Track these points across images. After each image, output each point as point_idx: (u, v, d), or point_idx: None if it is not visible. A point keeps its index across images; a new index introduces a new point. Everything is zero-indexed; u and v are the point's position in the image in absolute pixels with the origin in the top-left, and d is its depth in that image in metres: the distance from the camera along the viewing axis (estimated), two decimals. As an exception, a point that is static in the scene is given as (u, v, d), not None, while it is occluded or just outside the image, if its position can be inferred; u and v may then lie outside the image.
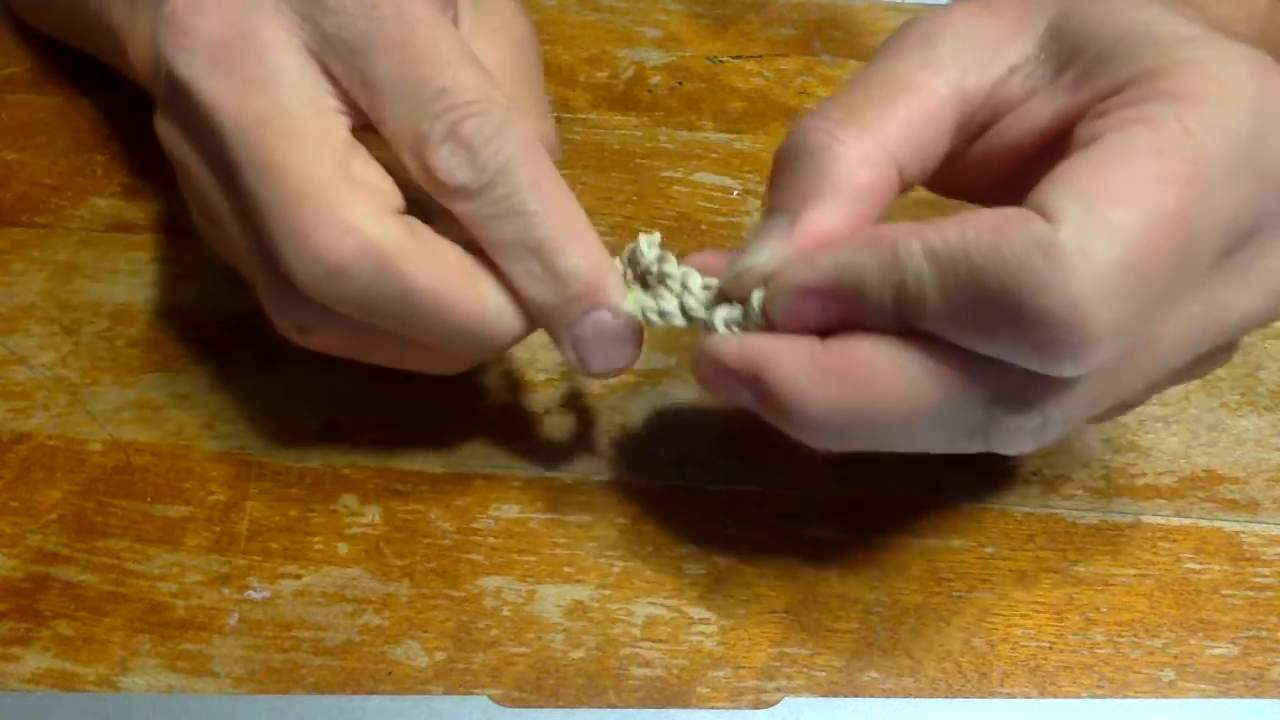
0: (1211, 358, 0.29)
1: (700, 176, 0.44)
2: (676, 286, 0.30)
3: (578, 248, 0.29)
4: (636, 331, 0.30)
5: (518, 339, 0.30)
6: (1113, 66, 0.26)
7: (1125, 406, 0.30)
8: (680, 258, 0.30)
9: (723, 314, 0.29)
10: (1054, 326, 0.24)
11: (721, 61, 0.49)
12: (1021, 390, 0.26)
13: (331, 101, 0.29)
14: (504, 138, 0.28)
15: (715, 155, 0.45)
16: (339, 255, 0.27)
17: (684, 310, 0.29)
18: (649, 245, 0.30)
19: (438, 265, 0.28)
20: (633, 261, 0.30)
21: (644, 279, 0.30)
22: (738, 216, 0.42)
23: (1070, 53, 0.27)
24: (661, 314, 0.29)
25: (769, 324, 0.28)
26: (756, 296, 0.28)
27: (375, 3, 0.28)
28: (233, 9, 0.28)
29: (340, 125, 0.29)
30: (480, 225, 0.28)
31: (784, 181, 0.28)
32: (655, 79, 0.47)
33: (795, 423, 0.27)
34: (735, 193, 0.43)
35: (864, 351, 0.26)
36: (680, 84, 0.47)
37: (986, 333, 0.25)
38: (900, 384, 0.26)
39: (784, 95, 0.47)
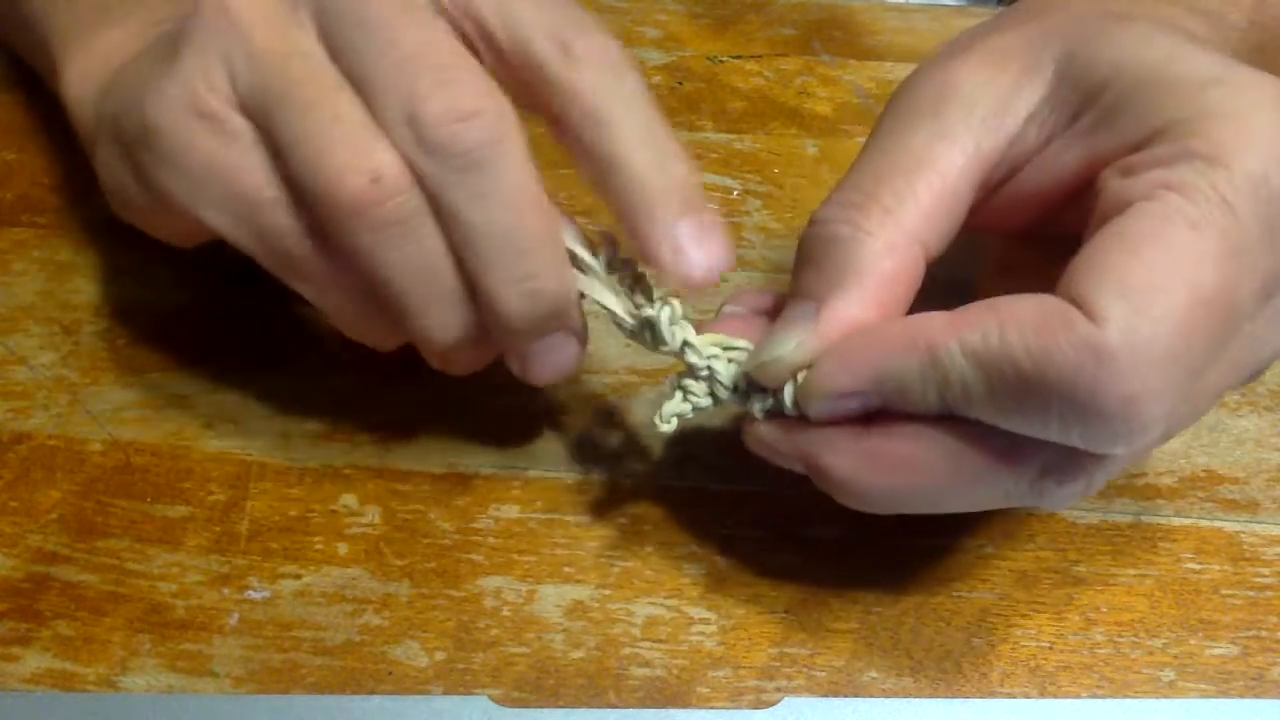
0: (1241, 385, 0.29)
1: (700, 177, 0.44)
2: (703, 369, 0.29)
3: (546, 259, 0.28)
4: (582, 341, 0.30)
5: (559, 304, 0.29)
6: (1135, 115, 0.26)
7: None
8: (704, 322, 0.30)
9: (758, 404, 0.29)
10: (1109, 421, 0.24)
11: (721, 61, 0.49)
12: (1068, 464, 0.27)
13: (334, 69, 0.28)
14: (490, 123, 0.27)
15: (715, 155, 0.44)
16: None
17: (715, 398, 0.30)
18: (670, 321, 0.29)
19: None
20: (650, 329, 0.30)
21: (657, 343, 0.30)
22: (738, 216, 0.42)
23: (1083, 97, 0.27)
24: (696, 410, 0.30)
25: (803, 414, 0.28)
26: (788, 390, 0.28)
27: None
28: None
29: (349, 102, 0.28)
30: (453, 209, 0.27)
31: (808, 272, 0.28)
32: (655, 79, 0.47)
33: (848, 500, 0.28)
34: (735, 193, 0.43)
35: (912, 441, 0.26)
36: (680, 84, 0.47)
37: (1036, 423, 0.25)
38: (950, 468, 0.26)
39: (784, 95, 0.47)
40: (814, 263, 0.28)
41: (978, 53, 0.28)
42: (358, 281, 0.29)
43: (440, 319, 0.29)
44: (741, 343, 0.29)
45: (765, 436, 0.29)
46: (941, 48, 0.30)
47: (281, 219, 0.28)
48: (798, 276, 0.28)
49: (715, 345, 0.30)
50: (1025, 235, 0.30)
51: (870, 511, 0.28)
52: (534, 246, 0.28)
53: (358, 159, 0.27)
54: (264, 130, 0.28)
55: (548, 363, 0.30)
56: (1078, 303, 0.24)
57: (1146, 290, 0.24)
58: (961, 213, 0.28)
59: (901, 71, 0.49)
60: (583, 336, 0.30)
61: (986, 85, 0.28)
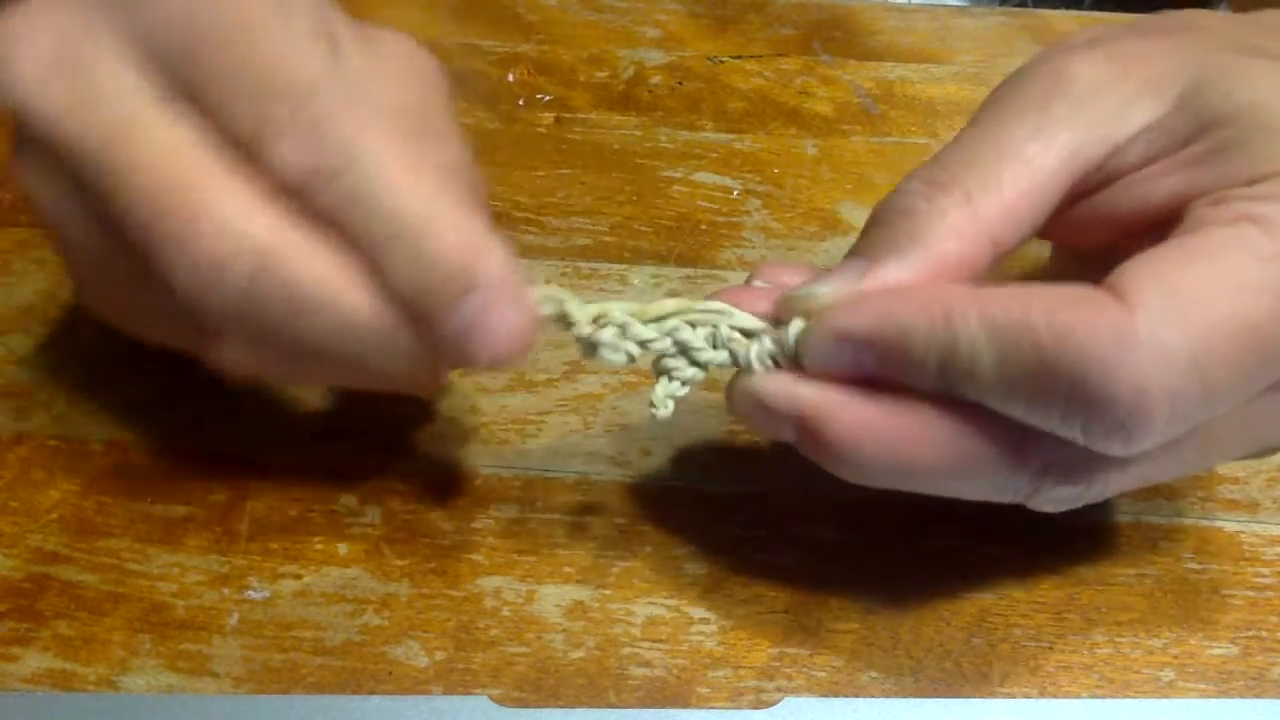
0: (1267, 451, 0.29)
1: (700, 176, 0.44)
2: (670, 349, 0.29)
3: (441, 226, 0.26)
4: (526, 310, 0.27)
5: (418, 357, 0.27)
6: (1247, 157, 0.25)
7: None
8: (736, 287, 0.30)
9: (756, 349, 0.28)
10: (1115, 409, 0.23)
11: (721, 61, 0.49)
12: (1069, 465, 0.26)
13: (173, 106, 0.27)
14: (349, 121, 0.26)
15: (715, 155, 0.44)
16: (218, 254, 0.26)
17: (699, 365, 0.29)
18: (609, 340, 0.28)
19: (316, 260, 0.26)
20: (593, 348, 0.29)
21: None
22: (738, 216, 0.42)
23: (1201, 127, 0.26)
24: (687, 383, 0.29)
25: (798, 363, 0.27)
26: (794, 328, 0.27)
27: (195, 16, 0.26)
28: (58, 25, 0.27)
29: (188, 128, 0.27)
30: (335, 216, 0.26)
31: (872, 234, 0.27)
32: (655, 79, 0.47)
33: (841, 470, 0.27)
34: (735, 193, 0.43)
35: (914, 415, 0.26)
36: (680, 84, 0.47)
37: (1040, 407, 0.24)
38: (953, 452, 0.26)
39: (784, 95, 0.47)
40: (880, 225, 0.27)
41: (1104, 52, 0.28)
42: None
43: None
44: (701, 304, 0.29)
45: (762, 388, 0.27)
46: (1070, 38, 0.29)
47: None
48: (863, 236, 0.28)
49: (673, 315, 0.29)
50: (1088, 254, 0.29)
51: (856, 481, 0.27)
52: (407, 220, 0.26)
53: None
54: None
55: (483, 329, 0.27)
56: (1114, 290, 0.24)
57: (1189, 295, 0.23)
58: (1044, 214, 0.27)
59: (901, 71, 0.49)
60: (508, 291, 0.27)
61: (1104, 88, 0.27)
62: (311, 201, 0.26)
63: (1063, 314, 0.24)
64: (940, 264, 0.26)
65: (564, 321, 0.29)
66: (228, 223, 0.26)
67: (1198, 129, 0.26)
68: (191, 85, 0.27)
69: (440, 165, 0.28)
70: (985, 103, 0.29)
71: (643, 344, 0.29)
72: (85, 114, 0.27)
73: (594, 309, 0.29)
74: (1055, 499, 0.27)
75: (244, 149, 0.26)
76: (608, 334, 0.28)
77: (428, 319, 0.27)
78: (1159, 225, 0.27)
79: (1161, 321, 0.23)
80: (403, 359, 0.28)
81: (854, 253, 0.28)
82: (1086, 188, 0.28)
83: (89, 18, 0.27)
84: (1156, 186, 0.27)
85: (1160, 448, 0.25)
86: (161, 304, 0.27)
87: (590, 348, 0.29)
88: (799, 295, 0.27)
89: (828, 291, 0.27)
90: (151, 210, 0.26)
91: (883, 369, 0.26)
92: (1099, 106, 0.27)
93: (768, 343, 0.28)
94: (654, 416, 0.29)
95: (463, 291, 0.26)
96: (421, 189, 0.27)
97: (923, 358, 0.25)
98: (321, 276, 0.26)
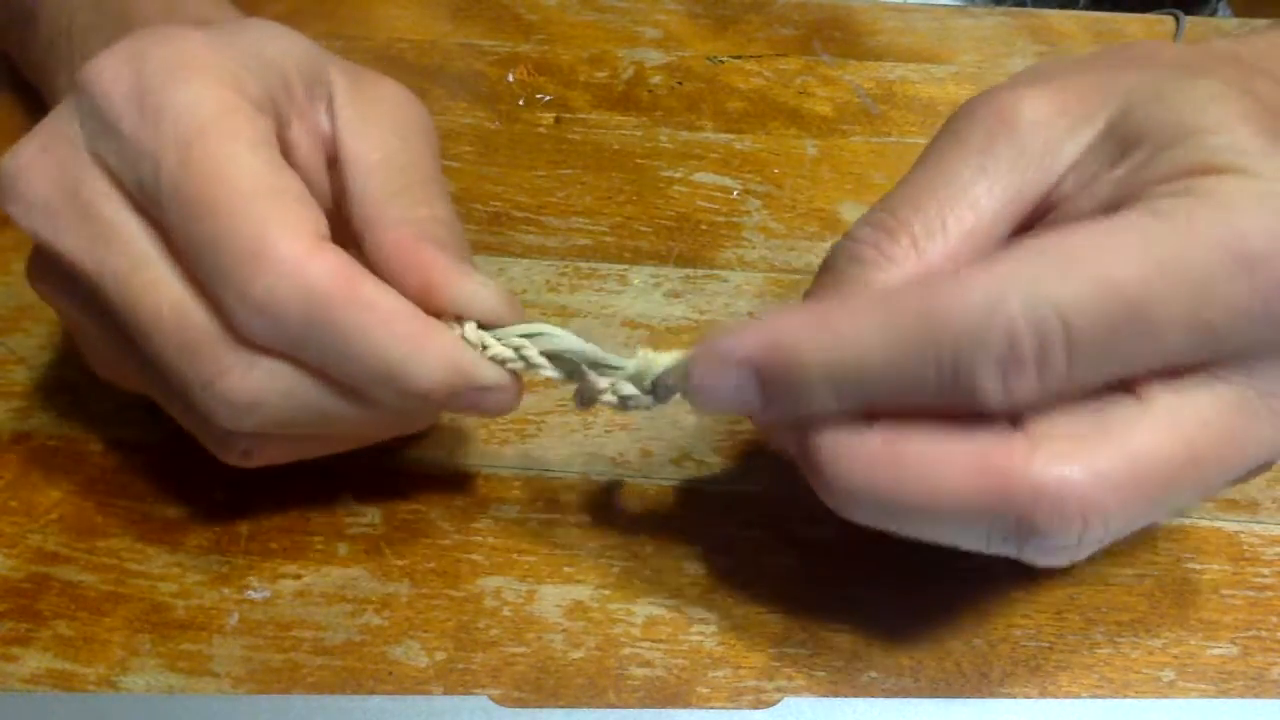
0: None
1: (700, 176, 0.44)
2: (516, 362, 0.30)
3: (424, 361, 0.28)
4: (510, 388, 0.29)
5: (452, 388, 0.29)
6: (1161, 165, 0.26)
7: None
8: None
9: (602, 380, 0.29)
10: (1053, 553, 0.25)
11: (721, 61, 0.49)
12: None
13: (162, 251, 0.28)
14: (300, 288, 0.27)
15: (715, 155, 0.45)
16: (248, 398, 0.28)
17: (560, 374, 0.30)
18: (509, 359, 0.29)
19: (330, 387, 0.28)
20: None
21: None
22: (738, 216, 0.42)
23: (1125, 148, 0.27)
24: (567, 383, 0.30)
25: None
26: (643, 359, 0.29)
27: (163, 145, 0.27)
28: (55, 160, 0.28)
29: (177, 270, 0.28)
30: (323, 369, 0.28)
31: (824, 281, 0.28)
32: (655, 79, 0.47)
33: (836, 499, 0.27)
34: (735, 193, 0.43)
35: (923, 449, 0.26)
36: (680, 84, 0.47)
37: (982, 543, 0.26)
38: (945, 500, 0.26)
39: (784, 95, 0.47)
40: (830, 271, 0.28)
41: (1043, 90, 0.28)
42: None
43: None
44: (536, 327, 0.29)
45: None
46: (1016, 74, 0.30)
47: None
48: (816, 280, 0.28)
49: (520, 339, 0.29)
50: None
51: (853, 518, 0.27)
52: (389, 367, 0.28)
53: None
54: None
55: (475, 410, 0.30)
56: (1026, 434, 0.25)
57: (1058, 256, 0.24)
58: (990, 252, 0.27)
59: (901, 71, 0.49)
60: (499, 381, 0.29)
61: (1043, 125, 0.27)
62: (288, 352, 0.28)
63: (932, 287, 0.24)
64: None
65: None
66: (251, 365, 0.28)
67: (1121, 152, 0.27)
68: (166, 228, 0.28)
69: (427, 219, 0.29)
70: (932, 142, 0.29)
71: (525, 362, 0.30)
72: (98, 254, 0.28)
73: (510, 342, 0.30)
74: (1043, 556, 0.27)
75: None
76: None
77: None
78: None
79: (1024, 274, 0.24)
80: (418, 424, 0.33)
81: (808, 295, 0.28)
82: (1028, 221, 0.28)
83: (77, 149, 0.28)
84: (1084, 209, 0.27)
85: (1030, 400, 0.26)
86: (201, 420, 0.29)
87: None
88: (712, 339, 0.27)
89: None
90: (176, 359, 0.28)
91: (768, 398, 0.26)
92: (1039, 144, 0.27)
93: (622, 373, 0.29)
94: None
95: (449, 403, 0.29)
96: (396, 320, 0.28)
97: (803, 364, 0.25)
98: (335, 398, 0.28)
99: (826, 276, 0.28)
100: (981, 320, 0.24)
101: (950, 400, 0.25)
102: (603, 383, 0.29)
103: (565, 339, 0.29)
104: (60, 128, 0.28)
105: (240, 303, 0.27)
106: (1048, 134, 0.27)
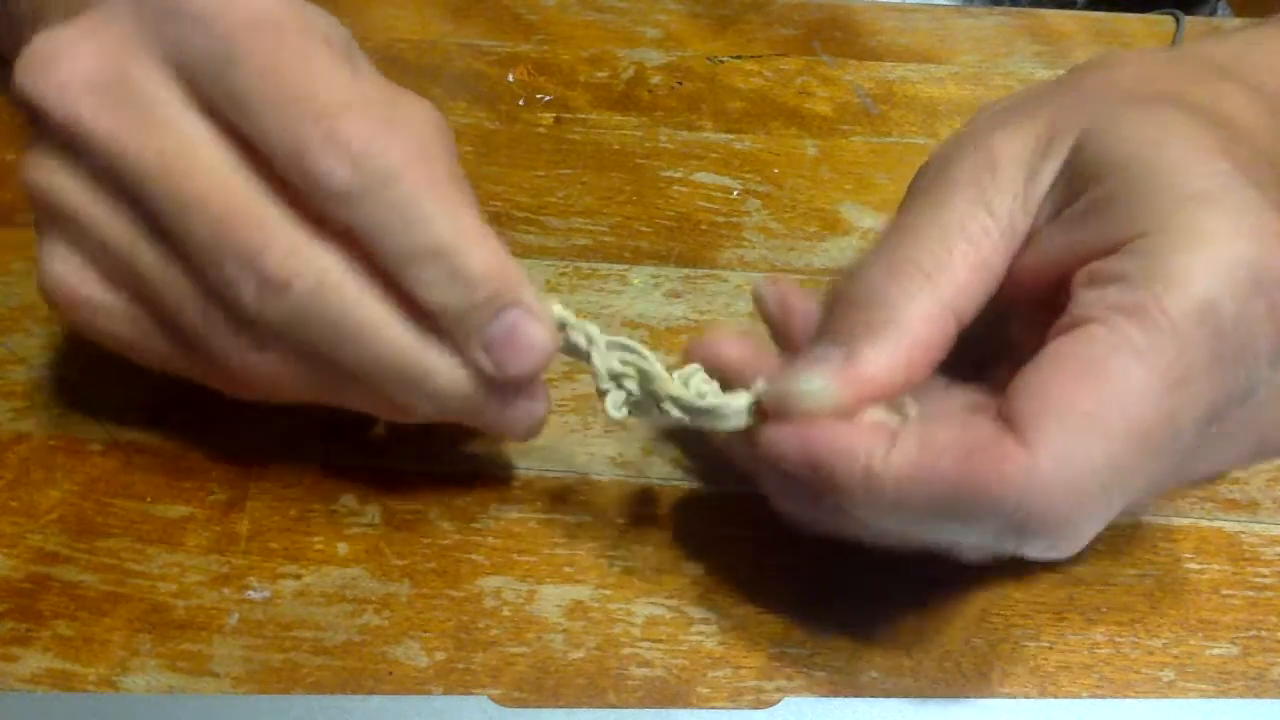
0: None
1: (700, 176, 0.44)
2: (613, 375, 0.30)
3: (481, 249, 0.28)
4: (549, 327, 0.29)
5: (454, 392, 0.29)
6: (1116, 216, 0.26)
7: None
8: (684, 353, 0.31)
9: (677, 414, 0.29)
10: (1042, 539, 0.25)
11: (721, 61, 0.49)
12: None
13: (214, 130, 0.28)
14: (387, 139, 0.27)
15: (715, 155, 0.45)
16: (285, 272, 0.27)
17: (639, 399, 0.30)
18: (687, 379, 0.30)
19: (366, 292, 0.28)
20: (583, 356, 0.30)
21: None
22: (737, 216, 0.42)
23: (1087, 179, 0.27)
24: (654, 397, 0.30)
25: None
26: (735, 419, 0.29)
27: (238, 18, 0.27)
28: (105, 43, 0.28)
29: (233, 149, 0.28)
30: (374, 235, 0.28)
31: (843, 315, 0.28)
32: (655, 79, 0.47)
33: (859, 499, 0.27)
34: (735, 193, 0.43)
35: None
36: (680, 84, 0.47)
37: (969, 539, 0.27)
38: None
39: (784, 95, 0.47)
40: (850, 307, 0.28)
41: (1015, 124, 0.28)
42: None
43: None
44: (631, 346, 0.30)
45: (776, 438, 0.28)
46: (983, 111, 0.30)
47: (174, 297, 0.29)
48: (830, 317, 0.28)
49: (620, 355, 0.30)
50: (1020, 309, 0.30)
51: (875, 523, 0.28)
52: (402, 360, 0.28)
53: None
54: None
55: (513, 345, 0.29)
56: (1013, 423, 0.25)
57: (1085, 420, 0.24)
58: (993, 286, 0.28)
59: (901, 71, 0.49)
60: (540, 313, 0.29)
61: (1020, 161, 0.28)
62: (347, 218, 0.27)
63: (974, 467, 0.24)
64: (914, 348, 0.27)
65: (573, 345, 0.30)
66: (295, 243, 0.27)
67: (1080, 185, 0.27)
68: (228, 105, 0.28)
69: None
70: (916, 185, 0.29)
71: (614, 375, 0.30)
72: (139, 137, 0.27)
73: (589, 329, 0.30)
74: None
75: (281, 168, 0.27)
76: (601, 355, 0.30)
77: (458, 336, 0.28)
78: (1052, 286, 0.27)
79: (1064, 455, 0.24)
80: (429, 396, 0.29)
81: (824, 334, 0.28)
82: (1016, 252, 0.28)
83: (129, 35, 0.28)
84: (1052, 246, 0.27)
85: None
86: (211, 310, 0.29)
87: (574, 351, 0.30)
88: (791, 394, 0.27)
89: (820, 386, 0.27)
90: (216, 234, 0.27)
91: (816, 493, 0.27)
92: (1019, 177, 0.28)
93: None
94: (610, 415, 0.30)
95: (494, 311, 0.28)
96: (453, 210, 0.28)
97: (849, 503, 0.26)
98: (372, 310, 0.28)
99: (846, 311, 0.28)
100: (1028, 515, 0.24)
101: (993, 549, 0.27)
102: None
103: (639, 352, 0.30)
104: (113, 10, 0.28)
105: (327, 142, 0.27)
106: (1026, 168, 0.28)
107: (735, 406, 0.28)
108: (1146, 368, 0.24)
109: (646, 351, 0.29)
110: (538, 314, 0.29)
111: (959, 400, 0.28)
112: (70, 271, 0.30)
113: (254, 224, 0.27)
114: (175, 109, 0.28)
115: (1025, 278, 0.28)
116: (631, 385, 0.30)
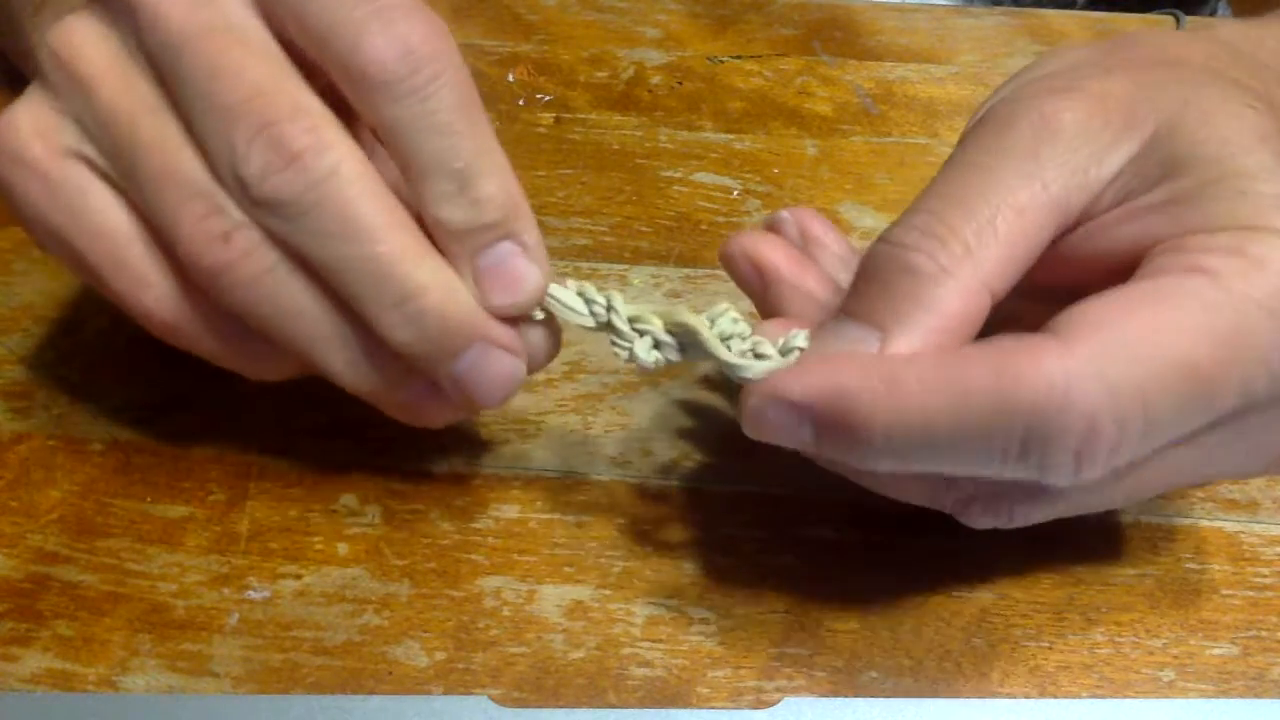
0: (1206, 481, 0.30)
1: (700, 176, 0.44)
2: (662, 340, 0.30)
3: (497, 177, 0.28)
4: (540, 266, 0.29)
5: (438, 314, 0.28)
6: (1207, 209, 0.26)
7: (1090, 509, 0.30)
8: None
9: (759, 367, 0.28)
10: (1068, 439, 0.24)
11: (721, 61, 0.49)
12: (995, 498, 0.28)
13: (265, 24, 0.28)
14: (438, 41, 0.27)
15: (715, 155, 0.45)
16: (300, 144, 0.27)
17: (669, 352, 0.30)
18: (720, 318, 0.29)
19: (382, 196, 0.27)
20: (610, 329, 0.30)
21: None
22: (738, 216, 0.42)
23: (1166, 172, 0.26)
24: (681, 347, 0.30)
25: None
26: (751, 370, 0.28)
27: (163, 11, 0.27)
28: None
29: (277, 44, 0.28)
30: (403, 135, 0.27)
31: (874, 294, 0.27)
32: (655, 79, 0.47)
33: (868, 456, 0.26)
34: (735, 193, 0.43)
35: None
36: (680, 84, 0.47)
37: (994, 456, 0.25)
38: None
39: (784, 95, 0.47)
40: (883, 285, 0.27)
41: (1083, 95, 0.27)
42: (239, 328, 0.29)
43: (343, 360, 0.29)
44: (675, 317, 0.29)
45: (778, 385, 0.27)
46: (1042, 71, 0.29)
47: (138, 269, 0.29)
48: (861, 292, 0.27)
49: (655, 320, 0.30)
50: (1045, 292, 0.29)
51: (877, 467, 0.27)
52: (397, 269, 0.27)
53: (205, 223, 0.27)
54: (124, 190, 0.29)
55: (481, 381, 0.29)
56: (1053, 332, 0.24)
57: (1131, 337, 0.24)
58: (1032, 261, 0.27)
59: (901, 71, 0.49)
60: (511, 342, 0.29)
61: (1088, 135, 0.27)
62: (381, 111, 0.27)
63: (1006, 363, 0.24)
64: (947, 328, 0.26)
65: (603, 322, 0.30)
66: (316, 124, 0.27)
67: (1162, 174, 0.26)
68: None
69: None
70: (968, 141, 0.28)
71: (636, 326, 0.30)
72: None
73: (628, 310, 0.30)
74: (976, 521, 0.29)
75: (329, 54, 0.27)
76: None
77: (453, 255, 0.28)
78: (1120, 270, 0.27)
79: (1104, 356, 0.24)
80: (413, 318, 0.28)
81: (852, 311, 0.27)
82: (1063, 231, 0.28)
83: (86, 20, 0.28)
84: (1121, 233, 0.27)
85: (1096, 480, 0.26)
86: (208, 184, 0.28)
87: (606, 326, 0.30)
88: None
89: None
90: (242, 101, 0.27)
91: (823, 442, 0.26)
92: (1084, 154, 0.27)
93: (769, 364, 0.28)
94: (638, 366, 0.30)
95: (494, 238, 0.28)
96: (483, 130, 0.28)
97: (867, 425, 0.25)
98: (377, 204, 0.27)
99: (875, 287, 0.27)
100: (1061, 408, 0.24)
101: (1009, 474, 0.25)
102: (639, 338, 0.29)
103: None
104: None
105: (376, 34, 0.27)
106: (1093, 145, 0.27)
107: (760, 368, 0.28)
108: (1209, 317, 0.24)
109: (666, 310, 0.29)
110: (533, 253, 0.29)
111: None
112: (44, 130, 0.29)
113: (283, 97, 0.27)
114: (150, 84, 0.28)
115: (1074, 259, 0.27)
116: (659, 333, 0.29)
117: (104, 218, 0.29)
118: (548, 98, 0.46)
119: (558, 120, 0.46)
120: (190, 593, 0.32)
